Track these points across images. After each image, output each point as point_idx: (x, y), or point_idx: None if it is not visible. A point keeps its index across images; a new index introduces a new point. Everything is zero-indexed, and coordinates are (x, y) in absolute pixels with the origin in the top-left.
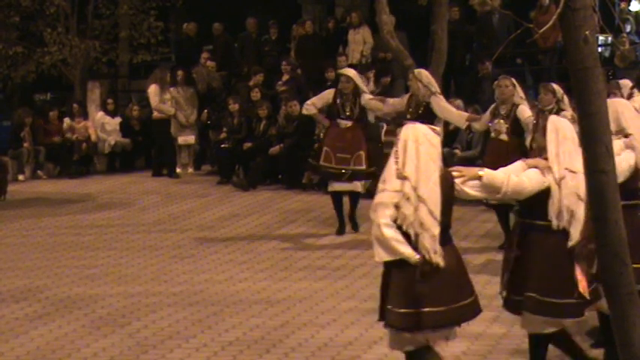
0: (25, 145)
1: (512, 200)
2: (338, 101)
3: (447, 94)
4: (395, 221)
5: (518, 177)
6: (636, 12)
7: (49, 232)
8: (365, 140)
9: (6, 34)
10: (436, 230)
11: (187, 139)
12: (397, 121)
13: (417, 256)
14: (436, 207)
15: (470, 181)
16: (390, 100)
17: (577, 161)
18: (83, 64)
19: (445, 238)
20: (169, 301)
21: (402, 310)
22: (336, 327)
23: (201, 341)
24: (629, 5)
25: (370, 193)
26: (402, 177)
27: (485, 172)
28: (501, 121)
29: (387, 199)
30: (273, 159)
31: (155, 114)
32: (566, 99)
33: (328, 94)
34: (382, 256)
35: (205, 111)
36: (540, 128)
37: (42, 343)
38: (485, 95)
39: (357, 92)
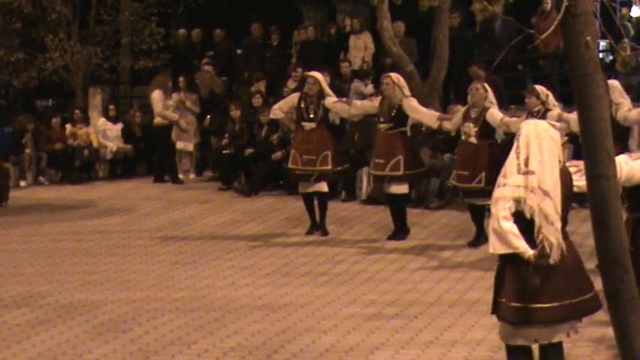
0: (27, 151)
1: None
2: (302, 104)
3: (448, 100)
4: (513, 215)
5: (627, 164)
6: (637, 18)
7: (50, 238)
8: (331, 141)
9: (8, 41)
10: (559, 224)
11: (188, 144)
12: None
13: (531, 252)
14: (559, 201)
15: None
16: (358, 103)
17: None
18: (85, 71)
19: (564, 234)
20: (171, 306)
21: (514, 304)
22: (338, 333)
23: (203, 347)
24: (630, 11)
25: (371, 199)
26: (525, 172)
27: None
28: (471, 124)
29: (507, 194)
30: (275, 165)
31: (157, 120)
32: (551, 98)
33: (294, 98)
34: (497, 248)
35: (208, 117)
36: None
37: (44, 349)
38: None
39: (321, 95)
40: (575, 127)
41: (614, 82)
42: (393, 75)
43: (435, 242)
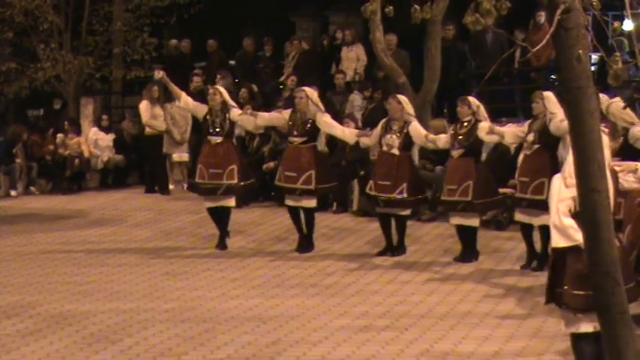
0: (18, 161)
1: None
2: (208, 117)
3: (441, 112)
4: (570, 211)
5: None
6: (629, 31)
7: (41, 248)
8: (237, 154)
9: None
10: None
11: (182, 155)
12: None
13: None
14: (612, 197)
15: (628, 174)
16: (266, 115)
17: None
18: (77, 80)
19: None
20: (161, 317)
21: (577, 292)
22: (329, 344)
23: (193, 358)
24: (622, 25)
25: (362, 211)
26: None
27: None
28: (394, 136)
29: (570, 194)
30: (266, 176)
31: (147, 130)
32: (482, 110)
33: (203, 109)
34: (559, 242)
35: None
36: None
37: (34, 359)
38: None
39: (225, 108)
40: (510, 140)
41: (548, 94)
42: (307, 90)
43: (426, 254)
